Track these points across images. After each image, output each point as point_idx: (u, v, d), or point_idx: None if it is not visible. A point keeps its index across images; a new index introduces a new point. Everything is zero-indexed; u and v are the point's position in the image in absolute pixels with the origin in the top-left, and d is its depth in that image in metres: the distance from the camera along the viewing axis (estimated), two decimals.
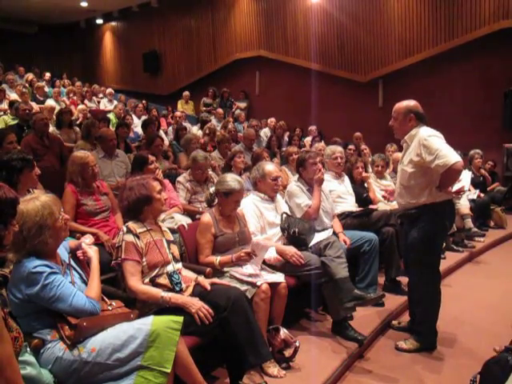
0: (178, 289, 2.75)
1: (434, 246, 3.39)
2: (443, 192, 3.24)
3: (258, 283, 3.04)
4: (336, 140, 8.26)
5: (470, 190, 6.91)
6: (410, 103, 3.37)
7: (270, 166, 3.93)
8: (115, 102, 10.61)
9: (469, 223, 6.42)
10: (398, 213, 3.73)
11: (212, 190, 3.59)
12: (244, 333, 2.68)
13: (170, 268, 2.81)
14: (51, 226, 2.17)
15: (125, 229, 2.76)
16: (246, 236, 3.48)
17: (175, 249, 2.99)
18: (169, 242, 2.94)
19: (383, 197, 5.09)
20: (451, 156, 3.07)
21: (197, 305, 2.59)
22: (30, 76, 11.17)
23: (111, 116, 8.41)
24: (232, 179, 3.40)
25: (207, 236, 3.30)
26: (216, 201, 3.50)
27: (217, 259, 3.21)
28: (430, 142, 3.14)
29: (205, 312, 2.56)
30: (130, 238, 2.71)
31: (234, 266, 3.22)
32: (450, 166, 3.05)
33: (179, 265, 2.94)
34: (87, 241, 2.63)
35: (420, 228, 3.30)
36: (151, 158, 4.20)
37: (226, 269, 3.21)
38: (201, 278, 2.94)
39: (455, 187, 3.50)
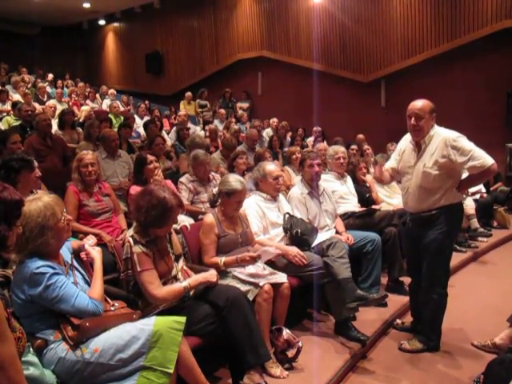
0: (186, 296, 2.75)
1: (449, 246, 3.41)
2: (461, 193, 3.26)
3: (261, 283, 3.04)
4: (337, 140, 8.25)
5: (482, 197, 6.90)
6: (430, 102, 3.31)
7: (270, 166, 3.94)
8: (118, 103, 10.62)
9: (475, 223, 6.42)
10: (405, 215, 3.66)
11: (215, 190, 3.60)
12: (243, 333, 2.69)
13: (173, 272, 2.79)
14: (53, 226, 2.17)
15: (131, 240, 2.66)
16: (249, 237, 3.49)
17: (176, 242, 2.96)
18: (170, 238, 2.91)
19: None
20: (487, 157, 3.07)
21: (214, 275, 2.81)
22: (27, 77, 11.21)
23: (111, 116, 8.38)
24: (234, 180, 3.41)
25: (211, 236, 3.30)
26: (219, 201, 3.50)
27: (221, 260, 3.20)
28: (462, 143, 3.12)
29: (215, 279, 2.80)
30: (139, 249, 2.63)
31: (237, 266, 3.22)
32: (487, 168, 3.05)
33: (181, 262, 2.92)
34: (90, 242, 2.62)
35: (438, 229, 3.25)
36: (150, 157, 4.19)
37: (228, 269, 3.21)
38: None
39: (474, 189, 3.50)
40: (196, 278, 2.76)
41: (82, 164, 3.73)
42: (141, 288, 2.63)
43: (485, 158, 3.07)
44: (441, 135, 3.20)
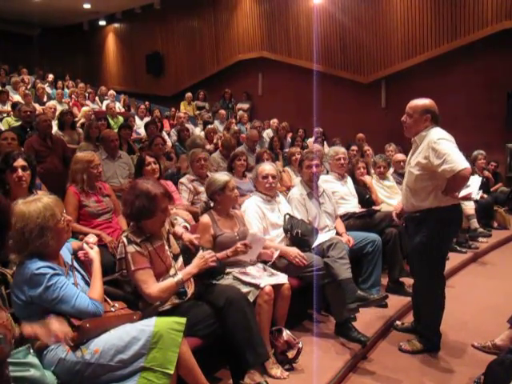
0: (182, 290, 2.74)
1: (439, 250, 3.34)
2: (449, 196, 3.18)
3: (262, 285, 3.04)
4: (335, 140, 8.25)
5: (482, 198, 6.87)
6: (428, 102, 3.28)
7: (262, 166, 3.99)
8: (117, 104, 10.62)
9: (475, 224, 6.40)
10: (403, 215, 3.66)
11: (204, 197, 3.63)
12: (242, 333, 2.69)
13: (171, 272, 2.78)
14: (53, 227, 2.17)
15: (125, 240, 2.68)
16: (247, 235, 3.48)
17: (173, 241, 2.96)
18: (168, 237, 2.91)
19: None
20: (459, 162, 2.99)
21: (205, 259, 2.74)
22: (27, 78, 11.23)
23: (108, 117, 8.36)
24: (219, 175, 3.51)
25: (205, 237, 3.30)
26: (212, 204, 3.52)
27: None
28: (440, 146, 3.06)
29: (213, 259, 2.75)
30: (133, 248, 2.64)
31: (236, 266, 3.23)
32: (457, 172, 2.97)
33: (179, 262, 2.90)
34: (91, 240, 2.60)
35: (424, 232, 3.24)
36: (149, 159, 4.18)
37: (229, 269, 3.20)
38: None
39: (462, 193, 3.41)
40: (189, 271, 2.71)
41: (92, 165, 3.70)
42: (137, 288, 2.63)
43: (456, 163, 2.97)
44: (430, 136, 3.17)
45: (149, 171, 4.12)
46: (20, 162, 3.19)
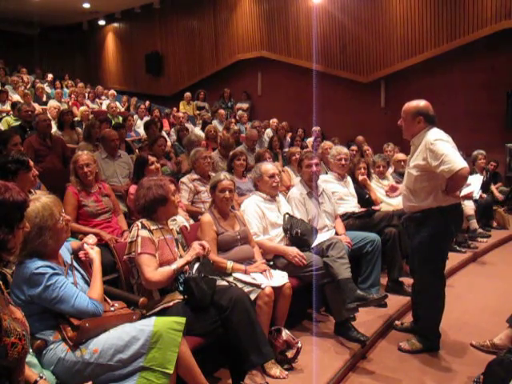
0: (181, 288, 2.76)
1: (439, 250, 3.35)
2: (450, 196, 3.19)
3: (262, 286, 3.05)
4: (334, 140, 8.24)
5: (482, 198, 6.87)
6: (420, 104, 3.27)
7: (266, 165, 3.99)
8: (118, 104, 10.61)
9: (474, 224, 6.40)
10: (403, 215, 3.66)
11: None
12: (246, 332, 2.69)
13: None
14: (51, 227, 2.17)
15: (139, 224, 2.81)
16: (248, 234, 3.51)
17: (181, 247, 3.06)
18: (177, 241, 3.02)
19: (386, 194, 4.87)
20: (457, 162, 3.00)
21: (196, 249, 2.87)
22: (26, 77, 11.21)
23: (109, 116, 8.34)
24: (218, 174, 3.61)
25: (210, 233, 3.32)
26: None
27: (230, 264, 3.22)
28: (436, 147, 3.07)
29: (201, 253, 2.87)
30: (145, 233, 2.77)
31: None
32: (455, 172, 2.98)
33: None
34: (90, 241, 2.61)
35: (425, 232, 3.25)
36: (151, 158, 4.23)
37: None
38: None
39: (464, 191, 3.41)
40: (185, 259, 2.83)
41: (77, 166, 3.76)
42: (138, 270, 2.74)
43: (454, 163, 2.98)
44: (426, 137, 3.17)
45: (152, 170, 4.15)
46: (30, 161, 3.27)
